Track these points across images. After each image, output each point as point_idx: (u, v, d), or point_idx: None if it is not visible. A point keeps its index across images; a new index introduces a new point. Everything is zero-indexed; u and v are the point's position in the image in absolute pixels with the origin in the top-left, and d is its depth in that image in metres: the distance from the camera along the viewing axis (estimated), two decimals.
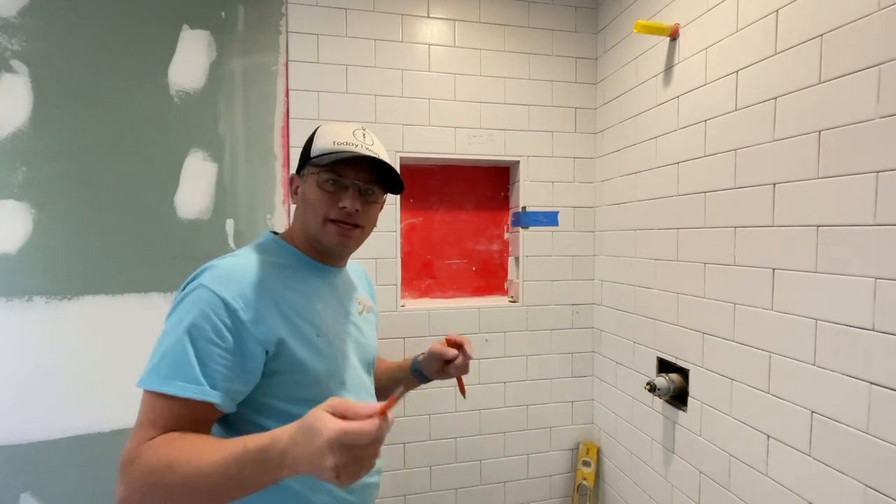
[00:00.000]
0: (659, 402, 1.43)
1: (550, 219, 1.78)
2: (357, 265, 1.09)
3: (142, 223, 1.43)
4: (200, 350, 0.68)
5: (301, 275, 0.85)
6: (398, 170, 1.63)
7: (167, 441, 0.65)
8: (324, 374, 0.81)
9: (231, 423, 0.77)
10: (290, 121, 1.55)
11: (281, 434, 0.59)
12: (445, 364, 1.05)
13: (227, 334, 0.70)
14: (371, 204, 0.88)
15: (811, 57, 0.95)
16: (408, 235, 1.76)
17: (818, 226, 0.94)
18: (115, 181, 1.41)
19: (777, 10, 1.03)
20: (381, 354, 1.66)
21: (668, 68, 1.38)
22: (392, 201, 1.63)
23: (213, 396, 0.68)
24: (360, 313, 0.98)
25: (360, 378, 0.92)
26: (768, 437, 1.06)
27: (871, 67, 0.84)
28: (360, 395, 0.90)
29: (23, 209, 1.34)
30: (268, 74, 1.54)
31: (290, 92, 1.55)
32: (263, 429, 0.75)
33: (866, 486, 0.85)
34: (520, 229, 1.76)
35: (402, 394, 0.57)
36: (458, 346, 1.05)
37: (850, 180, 0.88)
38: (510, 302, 1.79)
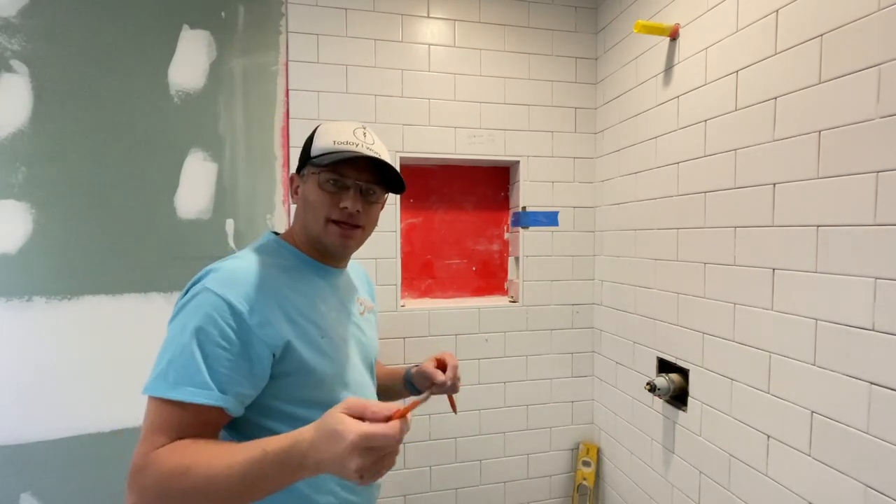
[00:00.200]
0: (659, 402, 1.43)
1: (550, 219, 1.78)
2: (357, 265, 1.09)
3: (142, 223, 1.43)
4: (208, 354, 0.68)
5: (304, 276, 0.85)
6: (398, 169, 1.64)
7: (180, 447, 0.65)
8: (328, 375, 0.81)
9: (236, 427, 0.77)
10: (290, 121, 1.55)
11: (300, 436, 0.60)
12: (433, 385, 1.05)
13: (235, 338, 0.70)
14: (372, 204, 0.87)
15: (811, 57, 0.95)
16: (408, 235, 1.76)
17: (818, 226, 0.94)
18: (115, 181, 1.41)
19: (777, 10, 1.03)
20: (381, 354, 1.66)
21: (668, 68, 1.38)
22: (392, 201, 1.63)
23: (223, 401, 0.68)
24: (362, 314, 0.98)
25: (363, 379, 0.92)
26: (768, 437, 1.06)
27: (871, 67, 0.84)
28: (362, 395, 0.90)
29: (23, 209, 1.34)
30: (268, 74, 1.54)
31: (290, 92, 1.55)
32: (269, 431, 0.75)
33: (866, 486, 0.85)
34: (520, 229, 1.76)
35: (425, 399, 0.60)
36: (445, 366, 1.06)
37: (850, 180, 0.88)
38: (510, 302, 1.79)
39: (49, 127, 1.35)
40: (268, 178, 1.54)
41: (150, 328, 1.42)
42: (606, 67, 1.72)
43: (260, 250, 0.84)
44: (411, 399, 0.61)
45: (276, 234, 0.90)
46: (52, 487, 1.36)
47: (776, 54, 1.03)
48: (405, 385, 1.11)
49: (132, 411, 1.41)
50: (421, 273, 1.79)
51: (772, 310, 1.05)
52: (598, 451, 1.81)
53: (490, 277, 1.86)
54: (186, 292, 0.75)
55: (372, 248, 1.62)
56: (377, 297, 1.62)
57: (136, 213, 1.42)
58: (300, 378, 0.77)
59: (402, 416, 0.58)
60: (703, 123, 1.24)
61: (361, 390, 0.90)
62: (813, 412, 0.95)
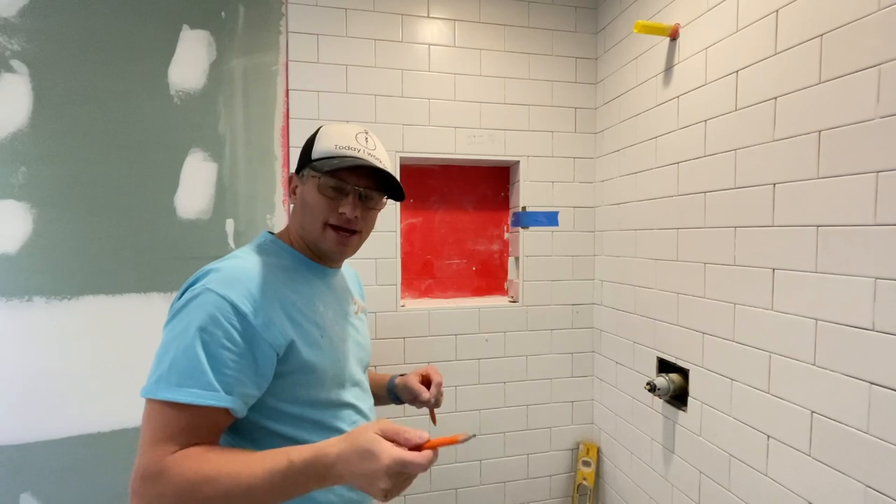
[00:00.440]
0: (659, 402, 1.43)
1: (550, 219, 1.78)
2: (347, 266, 1.09)
3: (142, 223, 1.43)
4: (213, 355, 0.67)
5: (302, 276, 0.85)
6: (398, 174, 1.64)
7: (197, 454, 0.65)
8: (328, 374, 0.81)
9: (234, 428, 0.76)
10: (290, 121, 1.55)
11: (327, 449, 0.63)
12: (417, 401, 1.06)
13: (239, 338, 0.69)
14: (370, 210, 0.87)
15: (811, 57, 0.95)
16: (408, 235, 1.76)
17: (818, 226, 0.94)
18: (115, 181, 1.41)
19: (777, 10, 1.03)
20: (381, 355, 1.66)
21: (668, 68, 1.38)
22: (392, 201, 1.63)
23: (229, 402, 0.67)
24: (356, 313, 0.98)
25: (359, 378, 0.92)
26: (768, 437, 1.06)
27: (871, 67, 0.84)
28: (358, 395, 0.90)
29: (23, 209, 1.34)
30: (268, 74, 1.54)
31: (290, 92, 1.55)
32: (268, 431, 0.76)
33: (866, 486, 0.85)
34: (520, 229, 1.76)
35: (465, 440, 0.63)
36: (429, 383, 1.07)
37: (850, 180, 0.88)
38: (510, 302, 1.79)
39: (49, 127, 1.35)
40: (268, 178, 1.54)
41: (150, 328, 1.42)
42: (606, 67, 1.72)
43: (258, 250, 0.84)
44: (448, 437, 0.64)
45: (272, 233, 0.90)
46: (52, 487, 1.36)
47: (776, 54, 1.03)
48: (388, 393, 1.11)
49: (132, 411, 1.41)
50: (421, 273, 1.79)
51: (772, 310, 1.05)
52: (598, 451, 1.81)
53: (490, 277, 1.86)
54: (182, 294, 0.74)
55: (372, 248, 1.62)
56: (377, 297, 1.64)
57: (136, 213, 1.42)
58: (301, 377, 0.77)
59: (434, 447, 0.62)
60: (703, 123, 1.24)
61: (356, 390, 0.90)
62: (813, 412, 0.95)
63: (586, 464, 1.80)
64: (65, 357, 1.37)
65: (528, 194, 1.75)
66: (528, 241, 1.76)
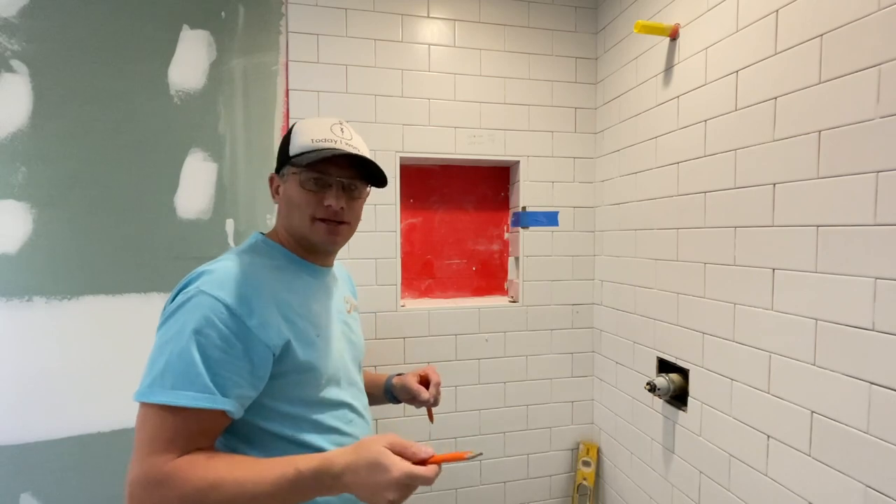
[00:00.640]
0: (659, 402, 1.43)
1: (550, 219, 1.78)
2: (340, 266, 1.08)
3: (142, 223, 1.43)
4: (208, 357, 0.67)
5: (295, 275, 0.85)
6: (398, 174, 1.64)
7: (201, 461, 0.65)
8: (324, 373, 0.81)
9: (232, 429, 0.76)
10: (290, 121, 1.55)
11: (335, 458, 0.65)
12: (416, 400, 1.07)
13: (235, 340, 0.69)
14: (355, 199, 0.87)
15: (811, 57, 0.95)
16: (408, 235, 1.76)
17: (818, 226, 0.94)
18: (115, 181, 1.41)
19: (777, 10, 1.03)
20: (381, 355, 1.66)
21: (668, 68, 1.38)
22: (392, 201, 1.63)
23: (226, 404, 0.67)
24: (349, 311, 0.98)
25: (354, 377, 0.92)
26: (768, 437, 1.06)
27: (871, 67, 0.84)
28: (354, 394, 0.90)
29: (23, 209, 1.34)
30: (268, 74, 1.54)
31: (290, 92, 1.55)
32: (264, 431, 0.76)
33: (866, 486, 0.85)
34: (520, 229, 1.76)
35: (472, 458, 0.67)
36: (428, 383, 1.08)
37: (850, 180, 0.88)
38: (510, 302, 1.79)
39: (49, 127, 1.35)
40: (268, 178, 1.54)
41: (150, 328, 1.39)
42: (606, 67, 1.72)
43: (250, 251, 0.84)
44: (455, 453, 0.68)
45: (263, 234, 0.90)
46: (52, 487, 1.36)
47: (776, 54, 1.03)
48: (385, 393, 1.11)
49: (132, 411, 1.39)
50: (421, 273, 1.79)
51: (772, 310, 1.04)
52: (598, 451, 1.81)
53: (490, 277, 1.86)
54: (175, 297, 0.74)
55: (372, 248, 1.62)
56: (377, 297, 1.64)
57: (136, 213, 1.42)
58: (297, 377, 0.77)
59: (439, 462, 0.65)
60: (703, 123, 1.24)
61: (352, 389, 0.90)
62: (813, 412, 0.95)
63: (586, 464, 1.80)
64: (65, 357, 1.37)
65: (528, 194, 1.75)
66: (528, 241, 1.76)
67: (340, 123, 0.86)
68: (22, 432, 1.34)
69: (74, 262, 1.38)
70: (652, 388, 1.33)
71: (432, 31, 1.65)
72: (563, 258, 1.80)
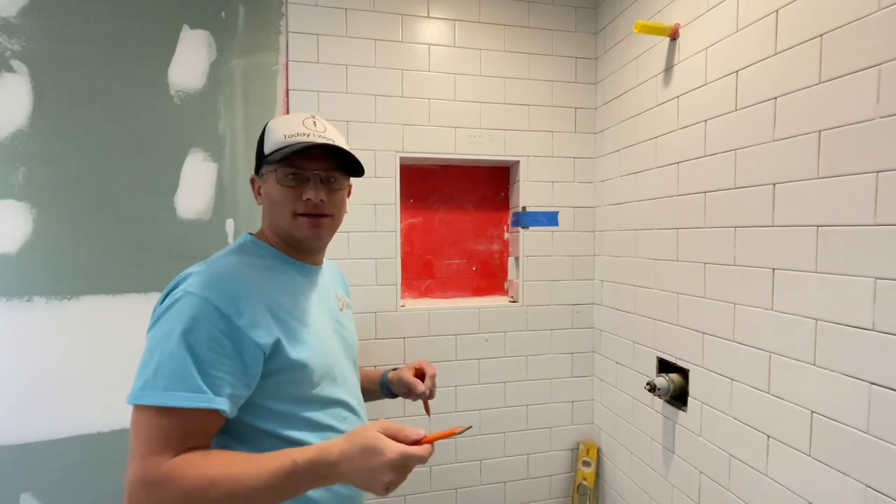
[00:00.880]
0: (659, 402, 1.43)
1: (550, 219, 1.78)
2: (331, 264, 1.08)
3: (142, 223, 1.43)
4: (199, 358, 0.67)
5: (285, 274, 0.85)
6: (398, 174, 1.64)
7: (198, 459, 0.65)
8: (317, 370, 0.81)
9: (227, 429, 0.76)
10: None
11: (330, 448, 0.66)
12: (412, 394, 1.07)
13: (225, 340, 0.69)
14: (336, 191, 0.87)
15: (811, 57, 0.95)
16: (408, 235, 1.76)
17: (818, 226, 0.94)
18: (115, 181, 1.41)
19: (777, 10, 1.03)
20: (381, 355, 1.66)
21: (668, 68, 1.38)
22: (392, 201, 1.63)
23: (219, 403, 0.67)
24: (341, 309, 0.98)
25: (349, 373, 0.92)
26: (768, 437, 1.06)
27: (871, 67, 0.84)
28: (349, 389, 0.90)
29: (23, 209, 1.34)
30: (268, 74, 1.54)
31: (290, 92, 1.55)
32: (259, 430, 0.76)
33: (866, 486, 0.85)
34: (520, 229, 1.76)
35: (462, 432, 0.69)
36: (423, 375, 1.08)
37: (850, 180, 0.88)
38: (510, 302, 1.79)
39: (49, 127, 1.35)
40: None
41: None
42: (606, 67, 1.72)
43: (239, 251, 0.84)
44: (445, 431, 0.69)
45: (252, 234, 0.90)
46: (52, 487, 1.36)
47: (776, 54, 1.03)
48: (381, 388, 1.11)
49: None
50: (421, 273, 1.79)
51: (772, 310, 1.04)
52: (598, 451, 1.81)
53: (490, 277, 1.86)
54: (164, 298, 0.74)
55: (372, 248, 1.62)
56: (377, 297, 1.64)
57: (136, 213, 1.42)
58: (289, 375, 0.77)
59: (432, 441, 0.67)
60: (703, 123, 1.24)
61: (348, 385, 0.90)
62: (813, 412, 0.95)
63: (586, 464, 1.80)
64: (65, 357, 1.37)
65: (528, 194, 1.75)
66: (528, 241, 1.76)
67: (313, 117, 0.86)
68: (22, 432, 1.34)
69: (74, 262, 1.38)
70: (652, 388, 1.33)
71: (432, 31, 1.65)
72: (563, 258, 1.80)
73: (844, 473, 0.89)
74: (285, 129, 0.83)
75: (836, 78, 0.90)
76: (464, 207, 1.82)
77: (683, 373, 1.33)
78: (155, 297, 1.44)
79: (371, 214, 1.61)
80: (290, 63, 1.55)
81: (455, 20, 1.67)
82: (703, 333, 1.25)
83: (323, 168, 0.84)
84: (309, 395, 0.80)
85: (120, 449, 1.40)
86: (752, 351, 1.10)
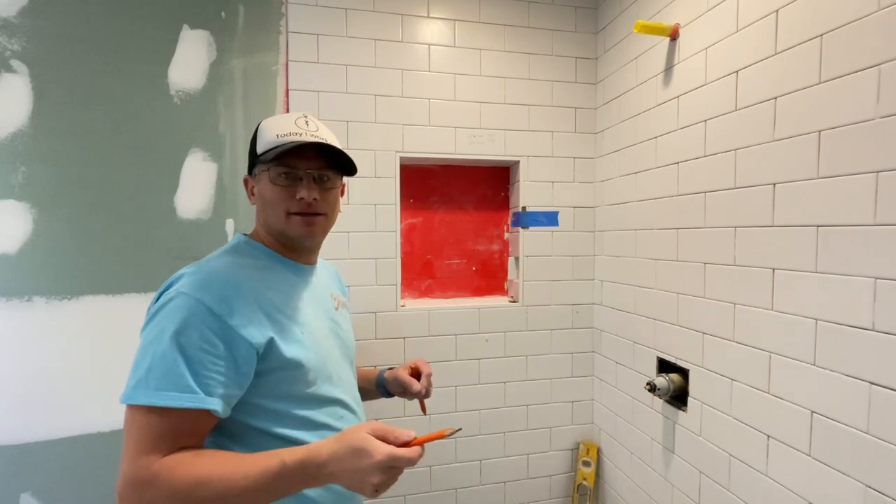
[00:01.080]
0: (659, 402, 1.43)
1: (550, 219, 1.78)
2: (327, 264, 1.08)
3: (142, 223, 1.43)
4: (190, 358, 0.67)
5: (279, 274, 0.85)
6: (398, 174, 1.64)
7: (188, 459, 0.65)
8: (312, 369, 0.81)
9: (220, 429, 0.76)
10: None
11: (319, 448, 0.66)
12: (408, 393, 1.07)
13: (217, 340, 0.69)
14: (329, 190, 0.87)
15: (811, 57, 0.95)
16: (408, 235, 1.76)
17: (818, 226, 0.94)
18: (115, 181, 1.41)
19: (777, 10, 1.03)
20: (380, 355, 1.66)
21: (668, 68, 1.38)
22: (392, 201, 1.63)
23: (210, 403, 0.67)
24: (337, 309, 0.98)
25: (345, 372, 0.92)
26: (768, 437, 1.06)
27: (871, 67, 0.84)
28: (345, 389, 0.90)
29: (23, 209, 1.34)
30: (268, 74, 1.54)
31: (290, 92, 1.55)
32: (255, 429, 0.76)
33: (866, 486, 0.85)
34: (520, 229, 1.76)
35: (451, 434, 0.69)
36: (419, 374, 1.08)
37: (850, 180, 0.88)
38: (510, 302, 1.79)
39: (49, 127, 1.35)
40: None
41: None
42: (606, 67, 1.72)
43: (233, 251, 0.84)
44: (435, 432, 0.69)
45: (246, 235, 0.90)
46: (52, 487, 1.36)
47: (776, 54, 1.03)
48: (377, 387, 1.11)
49: None
50: (421, 273, 1.79)
51: (772, 310, 1.05)
52: (598, 451, 1.81)
53: (490, 277, 1.86)
54: (157, 298, 0.74)
55: (372, 248, 1.62)
56: (377, 297, 1.64)
57: (136, 213, 1.42)
58: (284, 373, 0.77)
59: (421, 443, 0.66)
60: (703, 123, 1.24)
61: (343, 384, 0.90)
62: (813, 412, 0.95)
63: (586, 464, 1.80)
64: (65, 357, 1.37)
65: (528, 194, 1.75)
66: (528, 241, 1.76)
67: (305, 116, 0.87)
68: (22, 432, 1.34)
69: (74, 262, 1.37)
70: (652, 388, 1.33)
71: (432, 31, 1.65)
72: (563, 258, 1.80)
73: (844, 473, 0.89)
74: (277, 129, 0.83)
75: (836, 78, 0.90)
76: (464, 207, 1.82)
77: (683, 373, 1.33)
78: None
79: (371, 214, 1.61)
80: (290, 63, 1.55)
81: (455, 20, 1.67)
82: (703, 333, 1.25)
83: (315, 167, 0.84)
84: (304, 394, 0.80)
85: (120, 449, 1.41)
86: (752, 351, 1.10)
